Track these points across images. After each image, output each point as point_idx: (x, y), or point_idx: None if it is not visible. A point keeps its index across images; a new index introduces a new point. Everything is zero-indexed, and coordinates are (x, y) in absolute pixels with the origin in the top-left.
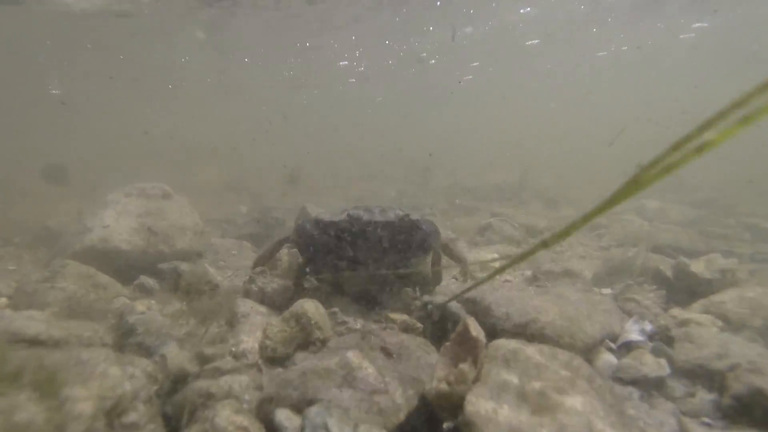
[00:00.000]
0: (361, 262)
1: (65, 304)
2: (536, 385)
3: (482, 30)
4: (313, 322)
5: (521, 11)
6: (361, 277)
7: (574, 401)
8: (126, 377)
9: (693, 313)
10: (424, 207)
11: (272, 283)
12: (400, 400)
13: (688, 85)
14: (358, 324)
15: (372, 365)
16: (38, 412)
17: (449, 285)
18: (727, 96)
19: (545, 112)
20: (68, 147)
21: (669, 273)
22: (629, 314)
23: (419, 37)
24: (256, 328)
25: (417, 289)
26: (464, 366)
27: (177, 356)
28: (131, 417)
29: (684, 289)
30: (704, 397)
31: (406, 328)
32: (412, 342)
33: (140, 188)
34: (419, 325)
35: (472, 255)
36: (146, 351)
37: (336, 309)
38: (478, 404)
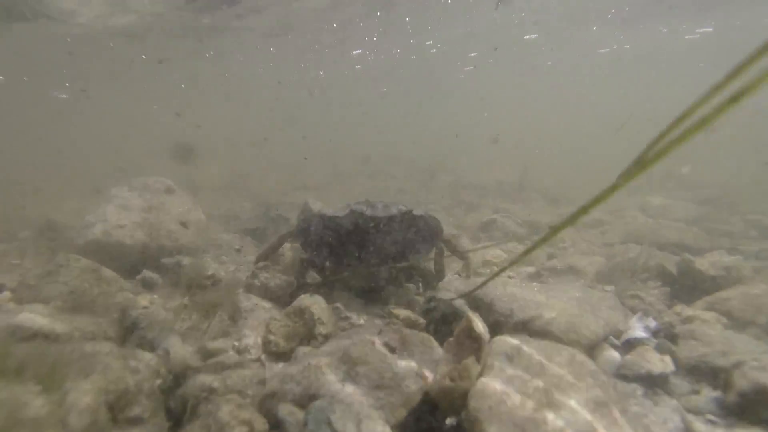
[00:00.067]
0: (364, 257)
1: (69, 298)
2: (539, 381)
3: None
4: (316, 317)
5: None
6: (364, 272)
7: (577, 398)
8: (129, 371)
9: (697, 310)
10: (427, 203)
11: (275, 279)
12: (403, 396)
13: (688, 85)
14: (361, 319)
15: (375, 360)
16: (41, 405)
17: (452, 281)
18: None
19: (546, 112)
20: (73, 146)
21: (673, 270)
22: (633, 311)
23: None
24: (259, 323)
25: (420, 284)
26: (468, 361)
27: (180, 351)
28: (135, 411)
29: (688, 286)
30: (709, 394)
31: (410, 324)
32: (415, 337)
33: (143, 183)
34: (422, 320)
35: (478, 253)
36: (149, 345)
37: (339, 304)
38: (482, 401)
